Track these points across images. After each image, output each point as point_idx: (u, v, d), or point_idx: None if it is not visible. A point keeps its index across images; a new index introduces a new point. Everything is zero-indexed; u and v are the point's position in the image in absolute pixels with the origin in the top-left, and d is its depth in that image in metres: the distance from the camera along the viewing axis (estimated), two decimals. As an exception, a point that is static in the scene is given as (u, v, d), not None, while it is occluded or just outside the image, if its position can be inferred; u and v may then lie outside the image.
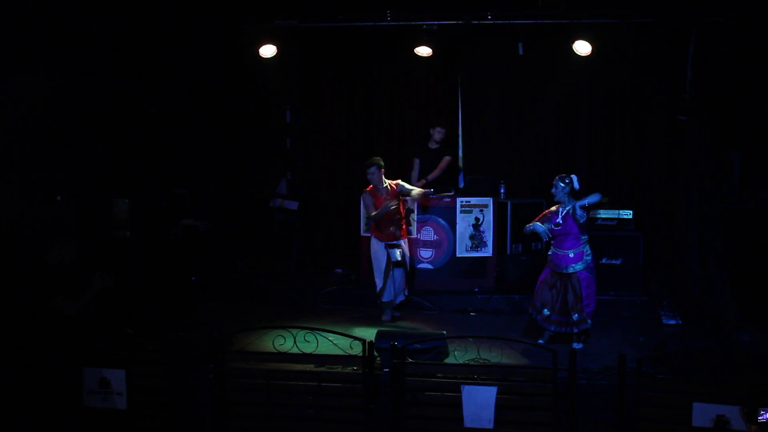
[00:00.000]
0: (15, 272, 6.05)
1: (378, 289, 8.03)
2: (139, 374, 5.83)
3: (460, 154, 10.10)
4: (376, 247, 8.04)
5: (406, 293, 8.21)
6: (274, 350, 5.92)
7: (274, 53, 9.28)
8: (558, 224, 7.04)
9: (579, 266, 7.04)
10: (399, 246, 7.94)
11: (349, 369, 5.90)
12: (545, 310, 7.13)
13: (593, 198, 7.03)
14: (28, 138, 7.10)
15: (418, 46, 9.19)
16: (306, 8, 9.11)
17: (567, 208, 7.04)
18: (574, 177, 7.09)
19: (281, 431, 5.75)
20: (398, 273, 7.97)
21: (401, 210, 8.10)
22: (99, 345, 5.81)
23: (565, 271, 7.07)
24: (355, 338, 6.00)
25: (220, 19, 9.05)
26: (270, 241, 10.01)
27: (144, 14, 8.17)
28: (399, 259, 7.87)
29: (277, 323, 6.21)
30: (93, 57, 7.79)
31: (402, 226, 8.10)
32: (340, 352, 6.14)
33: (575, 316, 6.99)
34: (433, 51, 9.21)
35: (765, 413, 4.36)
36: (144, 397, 5.83)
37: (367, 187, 8.06)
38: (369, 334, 6.79)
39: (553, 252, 7.19)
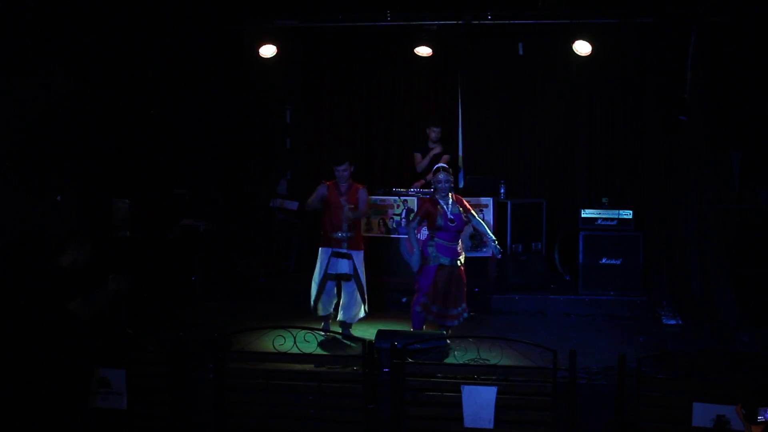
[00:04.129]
0: (14, 272, 6.04)
1: (312, 301, 7.24)
2: (139, 374, 5.82)
3: (460, 153, 10.10)
4: (321, 255, 7.20)
5: (366, 310, 7.30)
6: (274, 350, 5.91)
7: (274, 53, 9.28)
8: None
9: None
10: (348, 256, 7.14)
11: (349, 369, 5.90)
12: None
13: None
14: (29, 138, 7.10)
15: (418, 46, 9.19)
16: (306, 8, 9.11)
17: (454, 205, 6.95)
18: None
19: (281, 431, 5.75)
20: (349, 287, 7.18)
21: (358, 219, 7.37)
22: (99, 345, 5.80)
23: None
24: (355, 338, 6.00)
25: (220, 19, 9.05)
26: (270, 241, 10.01)
27: (144, 14, 8.17)
28: (343, 272, 7.12)
29: (277, 323, 6.20)
30: (93, 57, 7.80)
31: (357, 236, 7.26)
32: (340, 352, 6.13)
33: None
34: (433, 51, 9.21)
35: (765, 413, 4.36)
36: (144, 397, 5.82)
37: (327, 181, 7.34)
38: (369, 334, 6.83)
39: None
